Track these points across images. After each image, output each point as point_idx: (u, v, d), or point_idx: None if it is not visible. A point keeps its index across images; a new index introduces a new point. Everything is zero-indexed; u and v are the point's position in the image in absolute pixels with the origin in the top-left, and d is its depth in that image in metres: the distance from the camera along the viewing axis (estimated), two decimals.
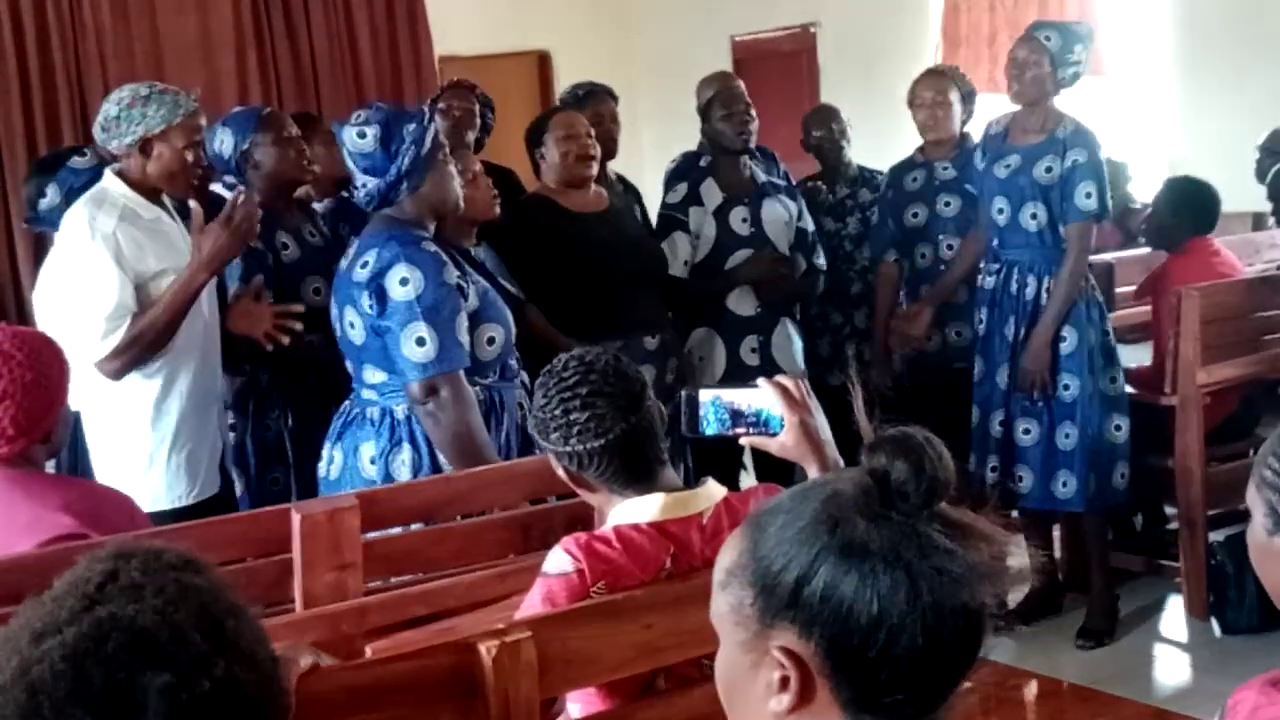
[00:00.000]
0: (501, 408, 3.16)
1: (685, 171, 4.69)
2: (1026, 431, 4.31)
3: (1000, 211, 4.32)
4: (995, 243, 4.37)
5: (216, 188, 4.40)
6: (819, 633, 1.12)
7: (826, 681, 1.12)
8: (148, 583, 1.09)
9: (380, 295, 2.99)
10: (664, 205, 4.54)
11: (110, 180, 3.34)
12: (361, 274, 3.03)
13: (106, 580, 1.09)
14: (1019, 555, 1.19)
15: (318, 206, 4.11)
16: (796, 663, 1.13)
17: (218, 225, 3.32)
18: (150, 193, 3.38)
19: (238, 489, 3.73)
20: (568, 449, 2.11)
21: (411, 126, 3.08)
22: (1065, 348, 4.25)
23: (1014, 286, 4.30)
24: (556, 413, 2.11)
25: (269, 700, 1.12)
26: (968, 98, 4.83)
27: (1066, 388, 4.25)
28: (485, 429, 3.05)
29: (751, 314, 4.44)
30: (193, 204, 3.46)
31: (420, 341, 2.96)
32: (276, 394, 3.76)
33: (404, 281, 2.96)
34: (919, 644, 1.10)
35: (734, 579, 1.18)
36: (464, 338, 3.01)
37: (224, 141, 3.77)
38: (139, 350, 3.25)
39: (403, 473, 3.07)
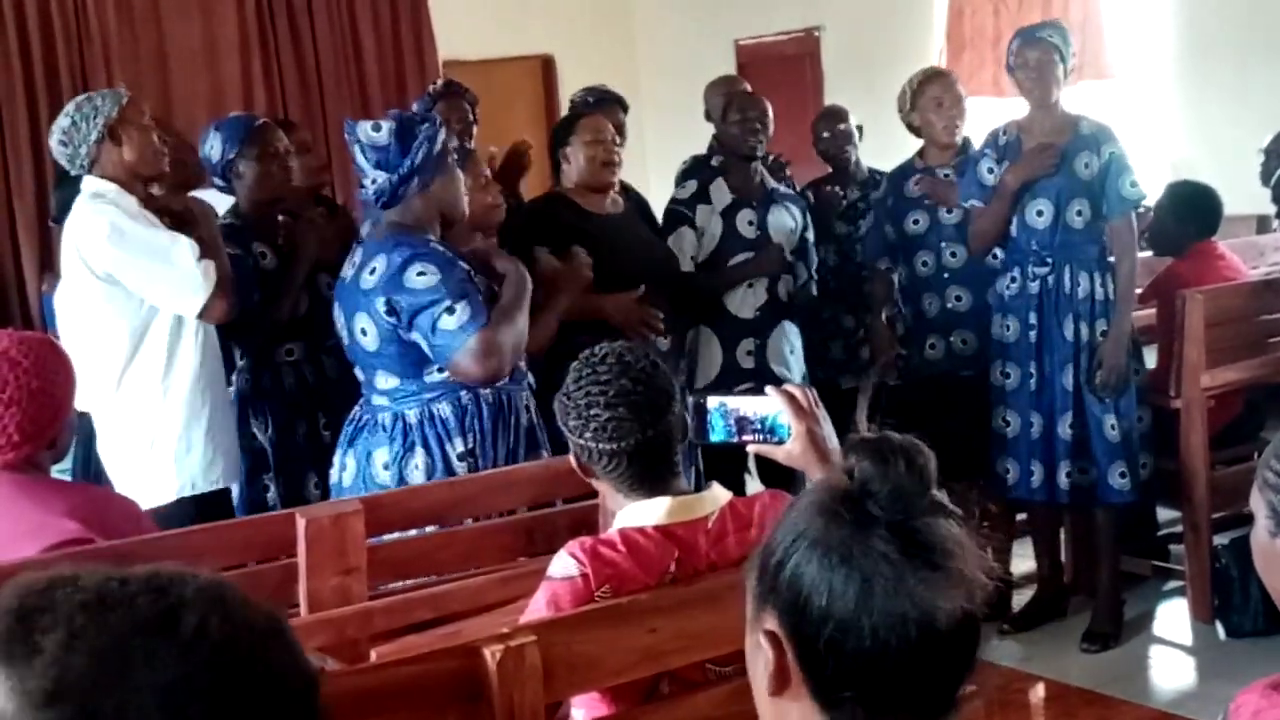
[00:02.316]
0: (510, 409, 3.18)
1: (695, 172, 4.70)
2: (1114, 427, 4.26)
3: (1040, 214, 4.28)
4: (1034, 245, 4.29)
5: (200, 194, 4.42)
6: (786, 619, 1.16)
7: (798, 669, 1.16)
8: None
9: (401, 290, 3.01)
10: (672, 200, 4.55)
11: (98, 184, 3.36)
12: (370, 280, 3.05)
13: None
14: (985, 573, 1.19)
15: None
16: (775, 646, 1.17)
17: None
18: (132, 191, 3.41)
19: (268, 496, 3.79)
20: (580, 441, 2.12)
21: (426, 125, 3.14)
22: None
23: (1067, 285, 4.26)
24: (580, 402, 2.11)
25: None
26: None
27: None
28: (510, 318, 3.09)
29: (751, 316, 4.45)
30: (197, 197, 3.52)
31: (450, 311, 3.00)
32: (260, 403, 3.80)
33: (421, 274, 3.01)
34: (866, 645, 1.12)
35: (751, 561, 1.23)
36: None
37: (213, 147, 3.83)
38: (228, 284, 3.37)
39: (416, 477, 3.08)
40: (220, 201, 4.16)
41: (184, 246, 3.31)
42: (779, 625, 1.17)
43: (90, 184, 3.36)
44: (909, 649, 1.12)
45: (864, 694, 1.14)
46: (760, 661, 1.19)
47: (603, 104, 4.75)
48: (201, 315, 3.34)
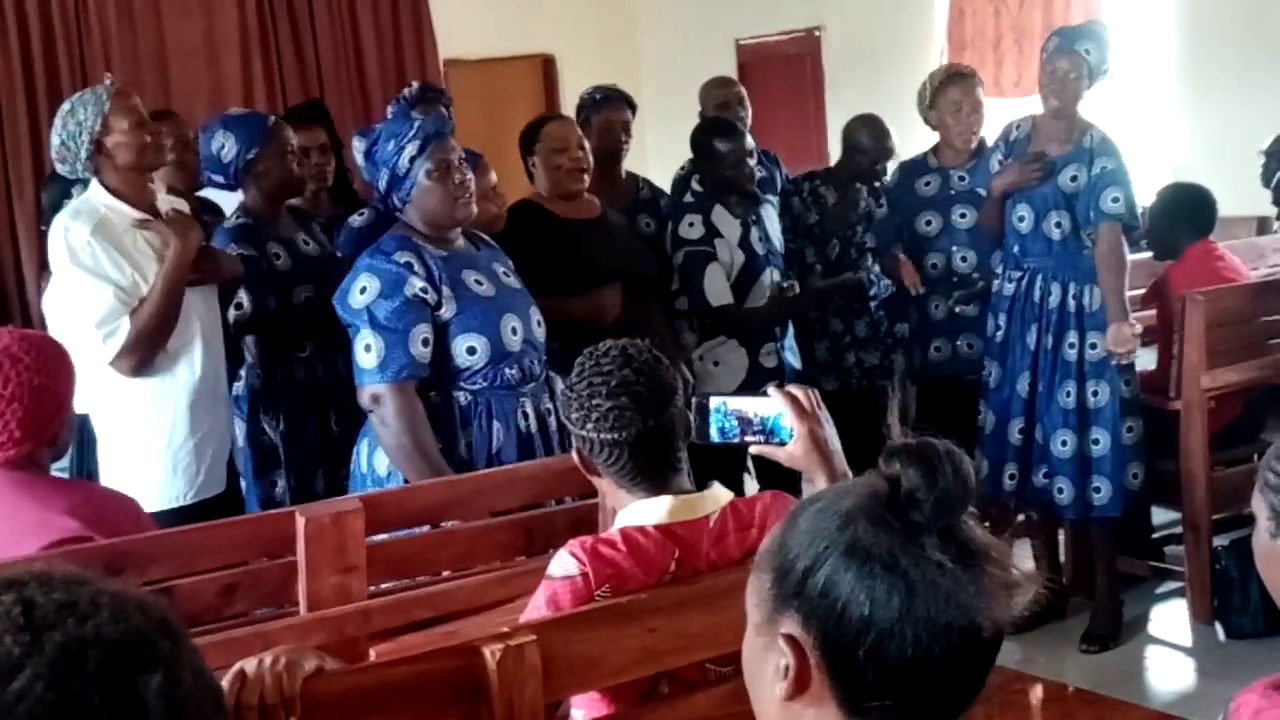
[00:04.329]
0: (488, 415, 3.18)
1: (684, 192, 4.64)
2: (1064, 443, 4.27)
3: (1022, 219, 4.29)
4: (1015, 250, 4.33)
5: (208, 193, 4.41)
6: (817, 625, 1.14)
7: (823, 674, 1.14)
8: (76, 597, 1.03)
9: (343, 302, 3.12)
10: (685, 242, 4.42)
11: (94, 190, 3.38)
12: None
13: (27, 607, 1.01)
14: (1025, 575, 1.19)
15: (357, 220, 4.06)
16: (797, 651, 1.15)
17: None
18: (136, 195, 3.39)
19: (276, 492, 3.79)
20: (583, 432, 2.12)
21: (390, 145, 3.17)
22: (1094, 354, 4.24)
23: (1036, 294, 4.28)
24: (583, 393, 2.12)
25: (220, 693, 1.11)
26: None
27: (1095, 394, 4.25)
28: (433, 442, 3.08)
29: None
30: (170, 203, 3.51)
31: (367, 349, 3.06)
32: (271, 399, 3.81)
33: (362, 290, 3.08)
34: (909, 654, 1.11)
35: (763, 562, 1.21)
36: (417, 350, 3.07)
37: (225, 146, 3.77)
38: (146, 343, 3.30)
39: (381, 470, 3.16)
40: (227, 200, 4.16)
41: (100, 302, 3.25)
42: (802, 630, 1.15)
43: (91, 190, 3.37)
44: (950, 656, 1.12)
45: (900, 701, 1.13)
46: (770, 665, 1.17)
47: (608, 102, 4.72)
48: (111, 367, 3.31)
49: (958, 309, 4.70)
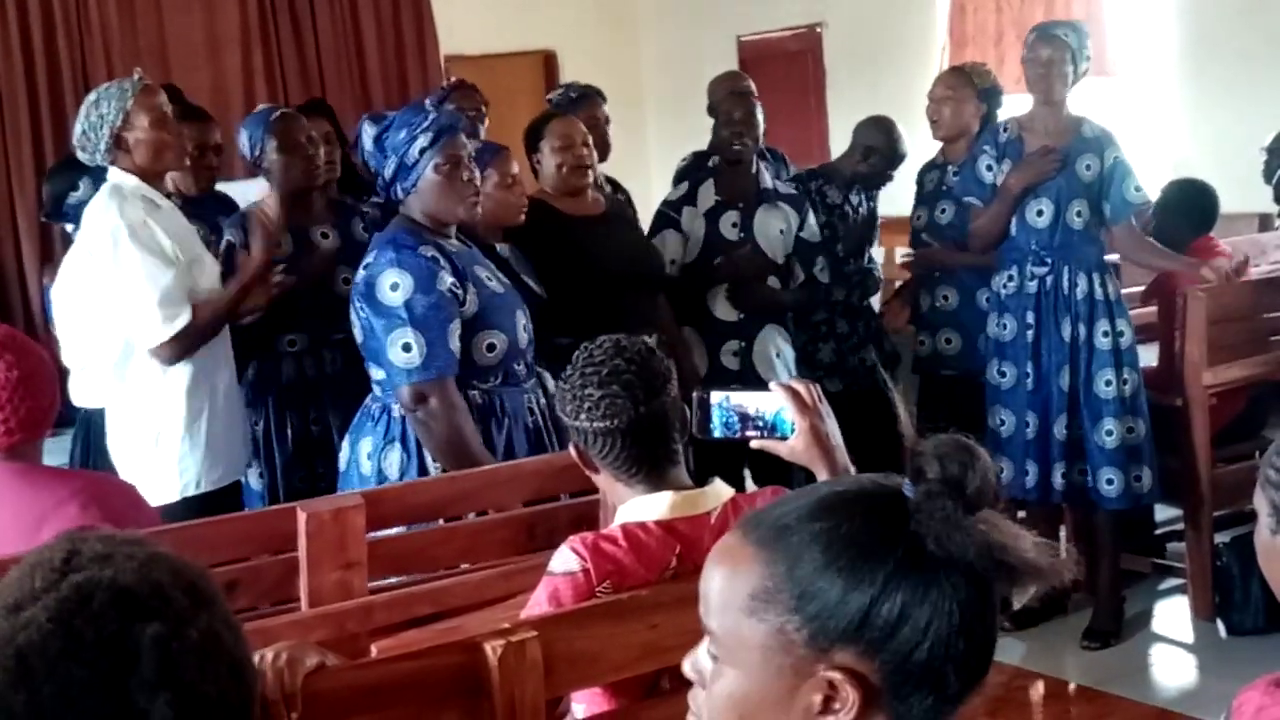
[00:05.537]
0: (502, 412, 3.17)
1: (691, 171, 4.67)
2: (1109, 432, 4.22)
3: (1040, 213, 4.26)
4: (1033, 245, 4.27)
5: (223, 186, 4.42)
6: (888, 653, 1.08)
7: (881, 698, 1.09)
8: (115, 551, 1.10)
9: (371, 299, 3.04)
10: (665, 201, 4.50)
11: (119, 176, 3.37)
12: (361, 275, 3.09)
13: (70, 555, 1.10)
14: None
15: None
16: (858, 683, 1.08)
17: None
18: (154, 183, 3.42)
19: (256, 484, 3.79)
20: (576, 424, 2.13)
21: (402, 134, 3.12)
22: (1124, 342, 4.25)
23: (1066, 286, 4.25)
24: (576, 384, 2.13)
25: (246, 664, 1.13)
26: (985, 95, 4.78)
27: (1126, 382, 4.23)
28: (478, 435, 3.06)
29: (734, 319, 4.39)
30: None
31: (406, 347, 3.00)
32: (258, 393, 3.82)
33: (394, 287, 3.01)
34: (983, 644, 1.11)
35: (768, 606, 1.10)
36: (454, 345, 3.04)
37: (243, 143, 3.89)
38: (196, 340, 3.34)
39: (391, 472, 3.09)
40: (240, 191, 4.19)
41: (162, 282, 3.27)
42: (861, 661, 1.08)
43: (112, 174, 3.39)
44: (993, 636, 1.13)
45: (963, 690, 1.12)
46: (797, 707, 1.10)
47: (583, 100, 4.71)
48: (151, 352, 3.32)
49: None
